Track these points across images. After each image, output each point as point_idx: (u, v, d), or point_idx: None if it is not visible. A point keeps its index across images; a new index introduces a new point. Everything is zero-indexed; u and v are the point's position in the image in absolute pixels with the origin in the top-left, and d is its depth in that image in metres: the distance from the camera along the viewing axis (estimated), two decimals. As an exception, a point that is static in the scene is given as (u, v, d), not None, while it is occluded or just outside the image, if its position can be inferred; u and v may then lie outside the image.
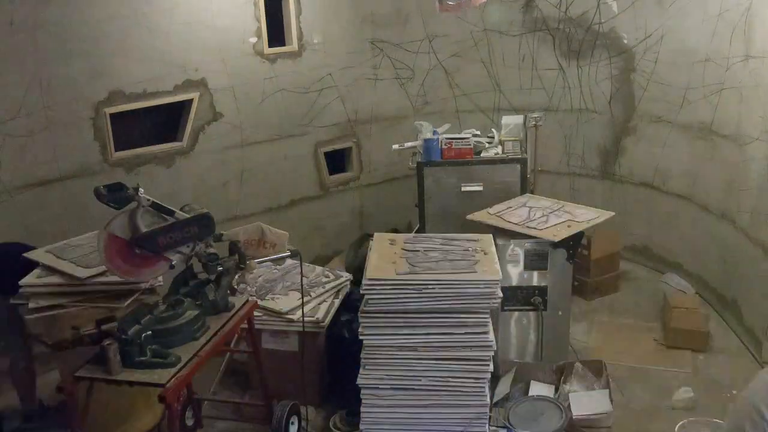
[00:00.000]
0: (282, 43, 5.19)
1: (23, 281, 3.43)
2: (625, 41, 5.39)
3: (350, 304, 4.03)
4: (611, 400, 3.61)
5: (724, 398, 3.84)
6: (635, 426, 3.66)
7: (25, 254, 3.63)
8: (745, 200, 4.36)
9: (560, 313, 3.93)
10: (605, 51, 5.50)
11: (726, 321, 4.64)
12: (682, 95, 5.00)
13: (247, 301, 3.44)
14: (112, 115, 4.45)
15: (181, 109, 4.81)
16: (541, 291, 3.89)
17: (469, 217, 4.11)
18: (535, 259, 3.83)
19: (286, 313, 3.84)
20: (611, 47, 5.47)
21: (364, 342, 3.17)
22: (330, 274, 4.28)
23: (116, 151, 4.53)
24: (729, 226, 4.60)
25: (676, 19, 4.98)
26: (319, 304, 4.01)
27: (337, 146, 5.65)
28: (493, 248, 3.43)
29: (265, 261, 3.87)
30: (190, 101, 4.77)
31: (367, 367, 3.20)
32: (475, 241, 3.50)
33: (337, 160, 5.75)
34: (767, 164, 4.09)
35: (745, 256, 4.36)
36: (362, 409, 3.36)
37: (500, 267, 3.69)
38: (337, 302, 4.07)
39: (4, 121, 4.01)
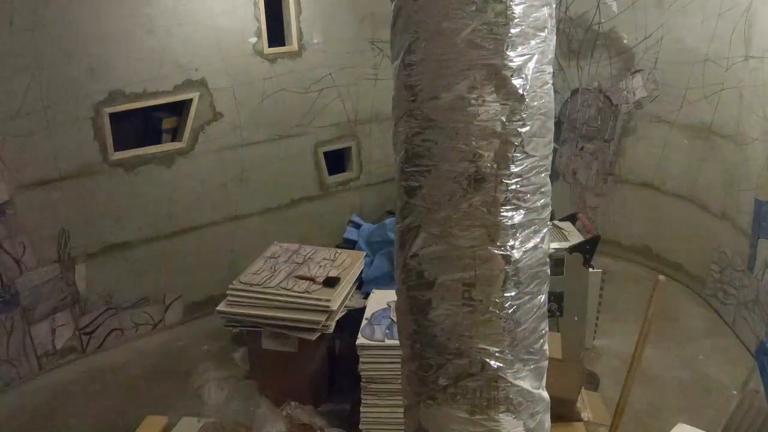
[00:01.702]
0: (282, 43, 5.19)
1: None
2: (625, 41, 5.40)
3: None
4: None
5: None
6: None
7: None
8: (745, 200, 4.36)
9: (576, 318, 3.91)
10: (605, 51, 5.50)
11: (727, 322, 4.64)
12: (682, 95, 5.00)
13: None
14: (112, 115, 4.46)
15: (181, 109, 4.81)
16: (557, 297, 3.86)
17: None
18: (551, 265, 3.77)
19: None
20: (611, 47, 5.47)
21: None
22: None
23: (116, 150, 4.53)
24: (729, 226, 4.60)
25: (676, 19, 4.98)
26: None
27: (337, 146, 5.65)
28: None
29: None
30: (190, 101, 4.77)
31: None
32: None
33: (337, 160, 5.75)
34: (767, 164, 4.09)
35: (745, 256, 4.36)
36: (362, 409, 3.37)
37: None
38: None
39: (4, 121, 4.01)
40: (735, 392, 3.88)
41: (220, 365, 4.31)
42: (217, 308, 3.85)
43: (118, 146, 4.53)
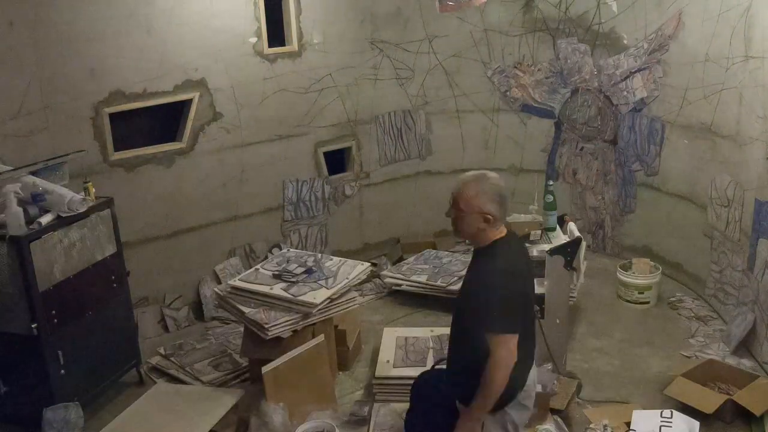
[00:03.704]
0: (282, 43, 5.19)
1: None
2: (625, 41, 5.40)
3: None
4: None
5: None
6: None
7: None
8: (745, 200, 4.36)
9: (558, 321, 3.88)
10: (605, 51, 5.50)
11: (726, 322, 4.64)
12: (682, 95, 5.00)
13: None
14: (112, 115, 4.46)
15: (181, 109, 4.81)
16: (539, 299, 3.77)
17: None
18: (533, 267, 3.75)
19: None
20: (611, 47, 5.47)
21: None
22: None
23: (116, 151, 4.53)
24: (729, 226, 4.60)
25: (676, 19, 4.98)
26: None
27: (337, 146, 5.65)
28: None
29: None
30: (190, 101, 4.77)
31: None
32: None
33: (337, 160, 5.75)
34: (767, 164, 4.09)
35: (745, 256, 4.35)
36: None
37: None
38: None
39: (4, 121, 4.01)
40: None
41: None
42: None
43: (118, 146, 4.54)
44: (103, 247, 3.82)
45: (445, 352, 3.02)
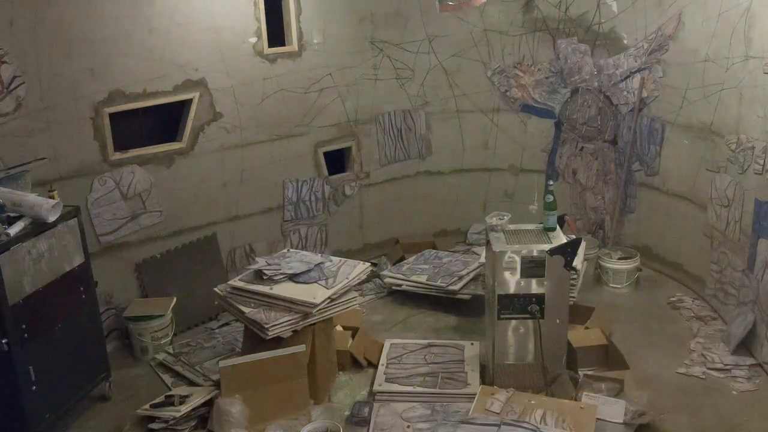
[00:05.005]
0: (282, 43, 5.19)
1: None
2: (625, 41, 5.40)
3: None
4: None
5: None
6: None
7: None
8: (745, 200, 4.36)
9: (558, 321, 3.87)
10: (605, 51, 5.50)
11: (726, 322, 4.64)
12: (682, 95, 5.00)
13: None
14: (112, 115, 4.46)
15: (181, 109, 4.81)
16: (539, 299, 3.81)
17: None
18: (532, 267, 3.75)
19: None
20: (611, 47, 5.47)
21: None
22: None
23: (116, 150, 4.53)
24: (729, 226, 4.60)
25: (676, 19, 4.98)
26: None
27: (337, 146, 5.65)
28: None
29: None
30: (190, 101, 4.77)
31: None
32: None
33: (337, 160, 5.75)
34: (767, 164, 4.09)
35: (745, 256, 4.35)
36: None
37: (497, 274, 3.77)
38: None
39: (5, 122, 4.01)
40: (735, 392, 3.88)
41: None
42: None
43: (118, 146, 4.55)
44: (71, 257, 3.72)
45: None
